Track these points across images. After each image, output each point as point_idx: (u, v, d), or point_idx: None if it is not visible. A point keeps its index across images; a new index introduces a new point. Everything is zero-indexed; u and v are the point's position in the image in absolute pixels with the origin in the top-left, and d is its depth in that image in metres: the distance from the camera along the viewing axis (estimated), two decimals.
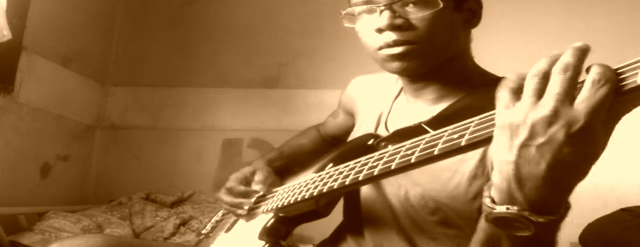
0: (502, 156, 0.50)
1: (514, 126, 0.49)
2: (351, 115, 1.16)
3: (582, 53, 0.48)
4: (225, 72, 2.71)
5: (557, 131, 0.46)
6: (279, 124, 2.56)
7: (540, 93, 0.48)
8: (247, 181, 1.08)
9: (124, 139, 2.71)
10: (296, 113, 2.55)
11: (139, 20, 2.83)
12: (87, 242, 0.90)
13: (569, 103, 0.46)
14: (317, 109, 2.33)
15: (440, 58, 0.89)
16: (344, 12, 0.91)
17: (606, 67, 0.46)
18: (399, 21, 0.85)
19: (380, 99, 1.05)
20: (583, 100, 0.46)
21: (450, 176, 0.83)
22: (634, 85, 0.44)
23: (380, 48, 0.87)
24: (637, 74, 0.44)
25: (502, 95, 0.51)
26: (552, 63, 0.49)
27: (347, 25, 0.92)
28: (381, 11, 0.85)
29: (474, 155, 0.81)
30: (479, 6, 0.92)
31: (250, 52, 2.70)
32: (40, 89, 2.23)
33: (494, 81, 0.91)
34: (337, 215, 1.06)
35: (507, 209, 0.51)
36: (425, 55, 0.87)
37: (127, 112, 2.74)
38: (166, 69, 2.77)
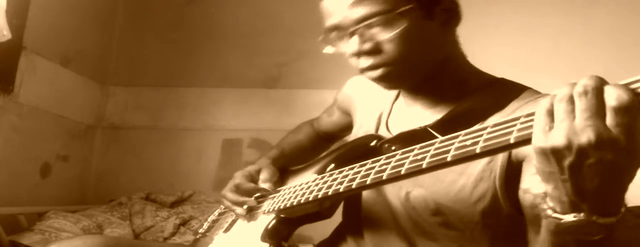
0: (554, 175, 0.53)
1: (556, 151, 0.51)
2: (347, 114, 1.15)
3: (597, 79, 0.50)
4: (226, 72, 2.71)
5: (605, 153, 0.49)
6: (279, 124, 2.55)
7: (572, 115, 0.50)
8: (253, 180, 1.08)
9: (124, 139, 2.71)
10: (296, 113, 2.54)
11: (139, 20, 2.83)
12: (85, 243, 0.91)
13: (603, 126, 0.49)
14: (317, 109, 2.32)
15: (425, 71, 0.88)
16: (320, 39, 0.90)
17: (623, 86, 0.48)
18: (367, 46, 0.84)
19: (379, 99, 1.04)
20: (615, 126, 0.48)
21: (455, 178, 0.83)
22: None
23: (363, 71, 0.87)
24: None
25: (539, 117, 0.53)
26: (572, 87, 0.51)
27: (325, 51, 0.90)
28: (349, 36, 0.84)
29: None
30: (454, 4, 0.89)
31: (251, 52, 2.69)
32: (40, 89, 2.23)
33: (493, 83, 0.91)
34: (337, 215, 1.06)
35: (575, 216, 0.54)
36: (405, 74, 0.87)
37: (127, 112, 2.74)
38: (166, 69, 2.77)
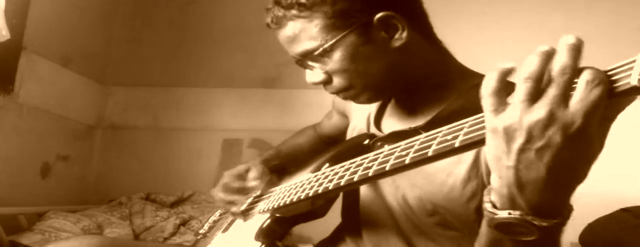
0: (501, 161, 0.50)
1: (509, 131, 0.48)
2: (344, 116, 1.16)
3: (578, 51, 0.46)
4: (225, 72, 2.71)
5: (555, 133, 0.46)
6: (279, 124, 2.56)
7: (534, 97, 0.47)
8: (242, 179, 1.08)
9: (124, 139, 2.71)
10: (296, 113, 2.55)
11: (139, 20, 2.83)
12: (81, 243, 0.91)
13: (564, 105, 0.45)
14: (317, 109, 2.32)
15: (393, 84, 0.89)
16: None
17: (597, 69, 0.46)
18: (317, 79, 0.90)
19: None
20: (578, 102, 0.45)
21: (444, 178, 0.83)
22: (627, 86, 0.43)
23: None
24: (629, 75, 0.43)
25: (487, 99, 0.50)
26: (544, 63, 0.47)
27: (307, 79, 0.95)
28: (304, 68, 0.91)
29: (467, 157, 0.81)
30: (389, 16, 0.84)
31: (250, 52, 2.69)
32: (40, 89, 2.23)
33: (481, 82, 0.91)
34: (337, 215, 1.06)
35: (509, 214, 0.51)
36: (371, 90, 0.89)
37: (127, 112, 2.74)
38: (166, 69, 2.77)
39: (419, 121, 0.88)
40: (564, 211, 0.51)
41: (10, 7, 1.88)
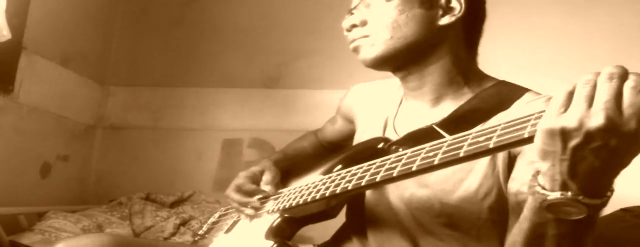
0: (555, 155, 0.54)
1: (566, 131, 0.52)
2: (350, 122, 1.16)
3: (621, 67, 0.52)
4: (225, 72, 2.71)
5: (612, 137, 0.50)
6: (279, 124, 2.56)
7: (591, 100, 0.52)
8: (256, 180, 1.08)
9: (124, 139, 2.71)
10: (296, 113, 2.55)
11: (139, 20, 2.83)
12: (94, 241, 0.90)
13: (619, 111, 0.50)
14: (317, 109, 2.33)
15: (407, 53, 0.92)
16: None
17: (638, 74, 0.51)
18: (357, 18, 0.94)
19: (383, 104, 1.06)
20: (628, 106, 0.50)
21: (461, 176, 0.84)
22: None
23: (349, 43, 0.96)
24: None
25: (556, 99, 0.54)
26: (596, 75, 0.53)
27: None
28: (350, 14, 0.96)
29: None
30: (463, 3, 0.92)
31: (251, 52, 2.69)
32: (40, 89, 2.23)
33: (495, 84, 0.92)
34: (339, 216, 1.06)
35: (562, 194, 0.55)
36: (385, 50, 0.92)
37: (127, 112, 2.74)
38: (166, 69, 2.77)
39: (434, 118, 0.89)
40: (609, 191, 0.56)
41: (10, 7, 1.88)
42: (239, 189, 1.06)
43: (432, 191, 0.86)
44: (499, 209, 0.82)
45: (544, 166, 0.56)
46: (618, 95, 0.50)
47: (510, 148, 0.59)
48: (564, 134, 0.52)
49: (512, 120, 0.58)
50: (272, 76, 2.67)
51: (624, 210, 1.84)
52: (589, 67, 0.57)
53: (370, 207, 0.98)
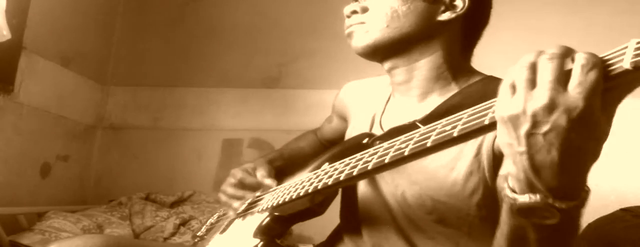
0: (513, 147, 0.51)
1: (514, 117, 0.50)
2: (344, 119, 1.17)
3: (563, 46, 0.50)
4: (225, 72, 2.71)
5: (559, 117, 0.47)
6: (279, 124, 2.56)
7: (532, 83, 0.49)
8: (250, 176, 1.08)
9: (124, 139, 2.71)
10: (296, 113, 2.55)
11: (139, 20, 2.83)
12: (86, 242, 0.90)
13: (563, 89, 0.48)
14: (317, 109, 2.33)
15: (401, 44, 0.92)
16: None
17: (591, 53, 0.48)
18: (358, 5, 0.94)
19: (372, 101, 1.06)
20: (576, 86, 0.47)
21: (446, 173, 0.84)
22: (620, 70, 0.46)
23: (346, 29, 0.96)
24: (622, 59, 0.46)
25: (502, 90, 0.52)
26: (536, 57, 0.50)
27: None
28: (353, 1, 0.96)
29: (468, 152, 0.82)
30: (467, 2, 0.91)
31: (251, 52, 2.69)
32: (40, 89, 2.23)
33: (484, 79, 0.92)
34: (337, 215, 1.06)
35: (530, 197, 0.52)
36: (379, 39, 0.92)
37: (127, 112, 2.74)
38: (166, 69, 2.77)
39: (418, 116, 0.89)
40: (582, 193, 0.52)
41: (10, 7, 1.88)
42: (241, 184, 1.07)
43: (422, 188, 0.87)
44: (488, 206, 0.82)
45: (509, 164, 0.54)
46: (562, 75, 0.48)
47: (475, 136, 0.56)
48: (513, 120, 0.50)
49: (477, 107, 0.56)
50: (272, 76, 2.67)
51: (624, 210, 1.84)
52: None
53: (364, 207, 0.98)
